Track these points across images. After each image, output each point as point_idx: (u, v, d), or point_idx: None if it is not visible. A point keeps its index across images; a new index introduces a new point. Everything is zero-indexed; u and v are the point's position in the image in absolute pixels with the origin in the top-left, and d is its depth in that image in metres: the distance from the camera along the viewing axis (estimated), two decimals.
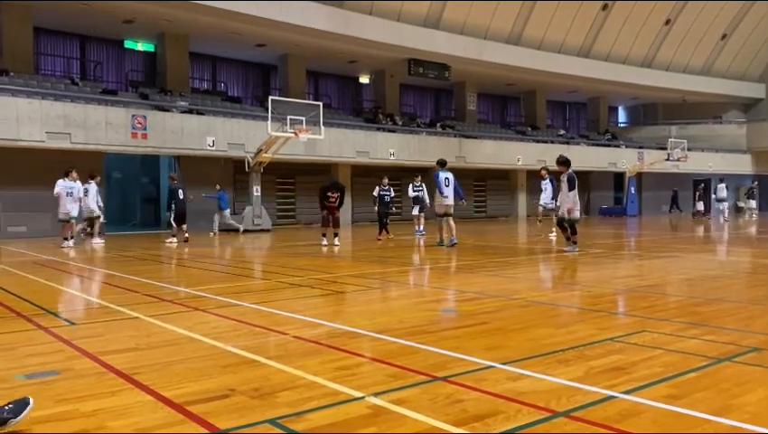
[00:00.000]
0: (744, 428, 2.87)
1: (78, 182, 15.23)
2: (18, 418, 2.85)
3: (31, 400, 2.95)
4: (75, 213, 15.19)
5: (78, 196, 15.25)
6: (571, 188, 11.97)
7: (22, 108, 17.93)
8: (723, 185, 26.46)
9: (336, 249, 13.89)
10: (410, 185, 17.77)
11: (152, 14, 22.18)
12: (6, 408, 2.87)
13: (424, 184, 17.80)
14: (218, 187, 20.14)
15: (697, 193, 30.32)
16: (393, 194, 16.57)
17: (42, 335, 5.08)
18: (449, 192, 13.84)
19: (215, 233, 19.60)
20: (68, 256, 12.87)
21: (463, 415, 3.05)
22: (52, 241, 16.97)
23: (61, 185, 14.94)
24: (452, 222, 13.83)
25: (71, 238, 15.05)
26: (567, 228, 12.21)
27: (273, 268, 10.88)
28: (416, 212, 17.62)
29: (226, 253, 13.95)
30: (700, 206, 29.69)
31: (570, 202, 11.99)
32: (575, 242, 12.15)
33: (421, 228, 17.33)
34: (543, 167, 17.75)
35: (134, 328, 5.39)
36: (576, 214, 12.20)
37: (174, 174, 17.60)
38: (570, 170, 12.06)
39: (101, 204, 16.52)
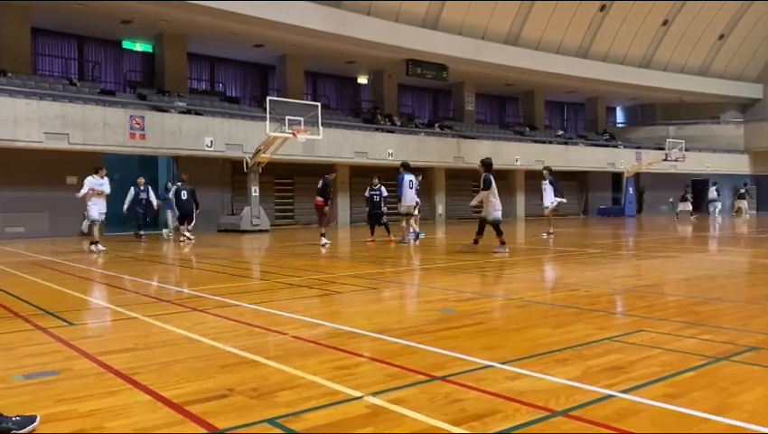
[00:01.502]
0: (742, 426, 2.88)
1: (106, 179, 14.18)
2: (20, 431, 2.87)
3: (38, 418, 2.98)
4: (104, 214, 14.14)
5: (106, 194, 14.17)
6: (485, 188, 12.48)
7: (20, 108, 17.90)
8: (713, 187, 28.13)
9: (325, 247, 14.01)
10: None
11: (150, 15, 22.16)
12: (13, 419, 2.90)
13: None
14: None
15: (686, 194, 30.46)
16: (386, 194, 16.18)
17: (40, 336, 5.08)
18: (412, 193, 14.88)
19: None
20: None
21: (462, 414, 3.06)
22: (51, 243, 16.96)
23: (91, 183, 13.76)
24: (413, 222, 15.08)
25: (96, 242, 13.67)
26: (493, 229, 12.53)
27: (271, 268, 10.88)
28: (415, 212, 17.54)
29: (224, 254, 13.94)
30: (687, 206, 29.70)
31: (489, 202, 12.49)
32: (503, 243, 12.37)
33: (416, 228, 17.35)
34: (545, 167, 17.71)
35: (132, 328, 5.39)
36: (496, 215, 12.60)
37: (186, 176, 17.60)
38: (487, 172, 12.58)
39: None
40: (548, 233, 16.81)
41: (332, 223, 25.03)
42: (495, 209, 12.54)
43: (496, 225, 12.47)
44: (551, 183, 16.99)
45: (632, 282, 8.38)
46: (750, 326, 5.18)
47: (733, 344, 4.49)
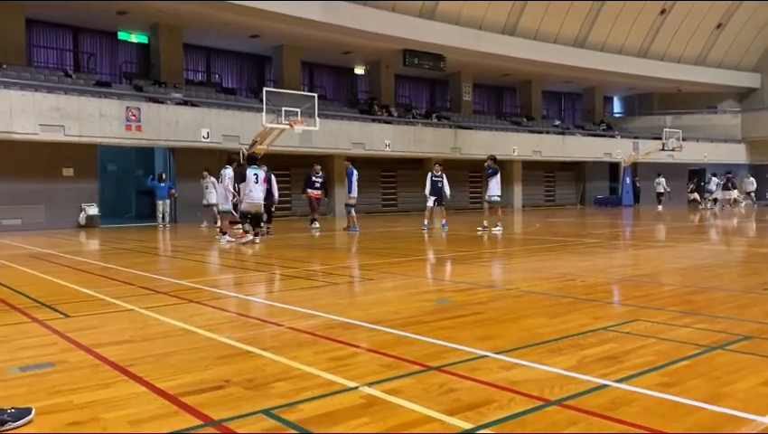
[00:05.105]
0: (736, 415, 2.90)
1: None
2: (16, 423, 2.88)
3: (33, 410, 2.98)
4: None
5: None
6: (241, 180, 13.12)
7: (15, 100, 17.82)
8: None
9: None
10: (429, 175, 16.33)
11: (145, 6, 22.02)
12: (8, 411, 2.91)
13: (444, 175, 16.23)
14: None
15: (691, 185, 30.84)
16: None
17: (36, 328, 5.08)
18: (357, 187, 16.58)
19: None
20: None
21: (457, 404, 3.07)
22: (49, 236, 16.92)
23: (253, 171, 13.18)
24: (353, 213, 16.46)
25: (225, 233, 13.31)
26: (249, 220, 13.28)
27: (268, 259, 10.88)
28: (430, 204, 16.24)
29: (219, 245, 13.91)
30: (695, 196, 30.03)
31: (244, 194, 13.10)
32: (256, 234, 13.09)
33: (443, 222, 16.53)
34: (489, 156, 15.89)
35: (129, 320, 5.39)
36: (243, 207, 13.16)
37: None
38: (251, 165, 13.26)
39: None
40: (484, 228, 15.13)
41: (330, 214, 25.06)
42: (244, 201, 13.16)
43: (244, 215, 13.21)
44: (494, 172, 15.34)
45: (628, 272, 8.40)
46: (744, 315, 5.20)
47: (727, 333, 4.51)
